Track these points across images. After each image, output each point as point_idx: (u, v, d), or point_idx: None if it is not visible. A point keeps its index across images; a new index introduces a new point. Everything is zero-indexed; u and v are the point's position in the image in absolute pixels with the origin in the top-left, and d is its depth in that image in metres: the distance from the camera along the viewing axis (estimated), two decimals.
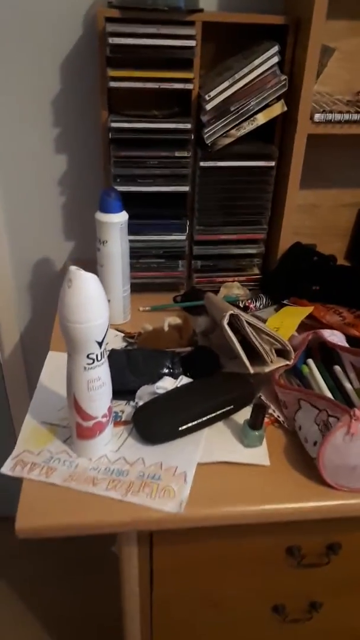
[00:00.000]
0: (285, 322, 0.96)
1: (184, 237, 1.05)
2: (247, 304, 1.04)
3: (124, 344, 0.94)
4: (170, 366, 0.82)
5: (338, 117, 0.93)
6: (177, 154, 0.96)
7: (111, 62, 0.90)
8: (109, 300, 0.97)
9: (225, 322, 0.76)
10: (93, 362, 0.65)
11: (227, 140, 0.96)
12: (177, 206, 1.05)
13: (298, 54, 0.92)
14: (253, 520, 0.68)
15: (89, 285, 0.60)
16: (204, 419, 0.75)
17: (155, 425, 0.74)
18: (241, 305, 1.03)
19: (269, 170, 1.00)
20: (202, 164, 0.97)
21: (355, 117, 0.93)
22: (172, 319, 0.92)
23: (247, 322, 0.77)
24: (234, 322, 0.78)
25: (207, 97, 0.91)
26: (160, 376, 0.81)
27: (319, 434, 0.70)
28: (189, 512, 0.66)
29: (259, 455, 0.73)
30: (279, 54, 0.90)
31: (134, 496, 0.67)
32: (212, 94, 0.91)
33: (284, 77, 0.92)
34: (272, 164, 0.99)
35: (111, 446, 0.74)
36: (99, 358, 0.65)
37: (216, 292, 1.10)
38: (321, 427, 0.70)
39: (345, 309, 1.00)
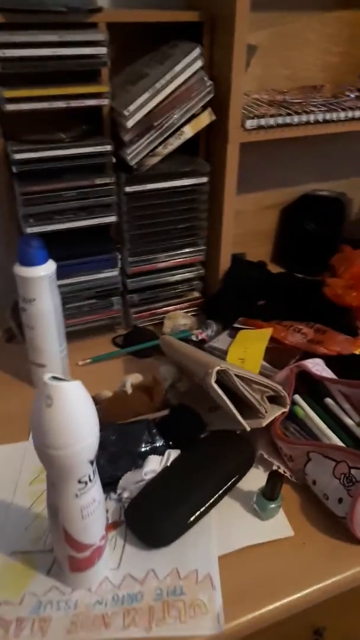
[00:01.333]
0: (249, 351, 0.88)
1: (116, 273, 0.91)
2: (199, 335, 0.93)
3: None
4: (149, 440, 0.70)
5: (271, 121, 0.84)
6: (97, 181, 0.81)
7: (4, 80, 0.72)
8: (44, 366, 0.82)
9: (212, 380, 0.65)
10: (86, 485, 0.50)
11: (154, 160, 0.83)
12: (104, 240, 0.90)
13: (219, 55, 0.81)
14: (299, 609, 0.59)
15: (75, 399, 0.45)
16: (212, 500, 0.64)
17: (158, 524, 0.61)
18: (194, 338, 0.92)
19: (202, 187, 0.89)
20: (127, 189, 0.84)
21: (288, 120, 0.85)
22: (133, 377, 0.78)
23: (236, 375, 0.66)
24: (220, 377, 0.67)
25: (126, 113, 0.77)
26: (141, 456, 0.68)
27: (343, 489, 0.62)
28: (228, 624, 0.55)
29: (280, 526, 0.64)
30: (202, 56, 0.78)
31: (161, 627, 0.54)
32: (132, 108, 0.77)
33: (209, 82, 0.80)
34: (205, 180, 0.88)
35: (110, 563, 0.60)
36: (92, 478, 0.50)
37: (159, 324, 0.98)
38: (343, 481, 0.63)
39: (303, 324, 0.94)
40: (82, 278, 0.89)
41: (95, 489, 0.52)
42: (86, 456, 0.48)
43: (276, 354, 0.88)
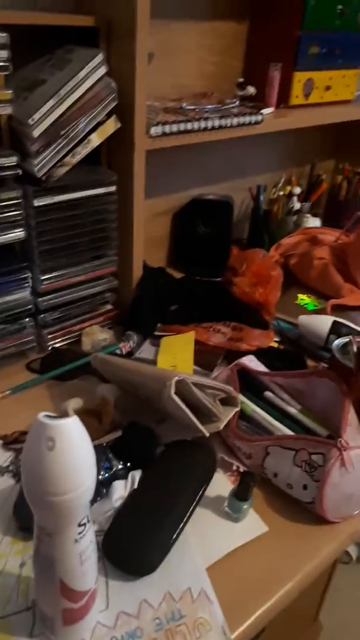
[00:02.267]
0: (178, 356, 0.88)
1: (27, 293, 0.84)
2: (123, 349, 0.90)
3: (10, 454, 0.72)
4: (108, 466, 0.66)
5: (174, 128, 0.85)
6: (3, 195, 0.74)
7: None
8: None
9: (172, 391, 0.64)
10: (85, 527, 0.45)
11: (62, 170, 0.78)
12: (9, 258, 0.83)
13: (118, 61, 0.79)
14: (294, 597, 0.60)
15: (78, 436, 0.41)
16: (188, 514, 0.62)
17: (141, 550, 0.58)
18: (118, 352, 0.89)
19: (111, 196, 0.86)
20: (36, 202, 0.78)
21: (189, 126, 0.87)
22: (74, 402, 0.73)
23: (193, 383, 0.65)
24: (179, 388, 0.65)
25: (30, 122, 0.72)
26: (102, 484, 0.64)
27: (306, 475, 0.65)
28: (234, 634, 0.54)
29: (254, 524, 0.65)
30: (106, 62, 0.76)
31: None
32: (37, 116, 0.72)
33: (114, 88, 0.78)
34: (113, 189, 0.86)
35: (99, 605, 0.55)
36: (89, 518, 0.46)
37: (75, 342, 0.93)
38: (305, 468, 0.66)
39: (219, 324, 0.96)
40: None
41: (91, 529, 0.47)
42: (89, 496, 0.43)
43: (202, 356, 0.90)
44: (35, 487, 0.41)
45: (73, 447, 0.40)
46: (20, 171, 0.75)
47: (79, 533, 0.45)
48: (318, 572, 0.63)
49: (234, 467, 0.71)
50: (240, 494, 0.63)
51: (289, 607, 0.61)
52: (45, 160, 0.75)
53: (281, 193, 1.28)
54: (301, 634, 1.23)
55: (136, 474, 0.66)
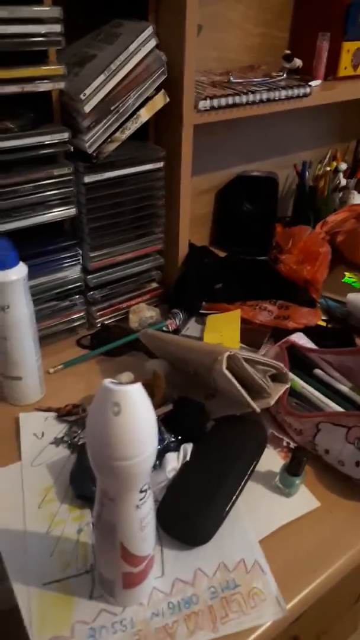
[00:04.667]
0: (224, 334, 0.88)
1: (78, 270, 0.85)
2: (170, 326, 0.91)
3: (63, 426, 0.73)
4: (160, 438, 0.67)
5: (222, 102, 0.84)
6: (56, 172, 0.75)
7: None
8: (20, 379, 0.75)
9: (224, 366, 0.64)
10: (146, 492, 0.46)
11: (112, 146, 0.78)
12: (60, 236, 0.84)
13: (167, 34, 0.78)
14: (345, 574, 0.60)
15: (142, 402, 0.42)
16: (240, 487, 0.63)
17: (195, 521, 0.59)
18: (165, 329, 0.90)
19: (159, 172, 0.86)
20: (86, 179, 0.78)
21: (237, 100, 0.85)
22: (125, 377, 0.74)
23: (244, 358, 0.65)
24: (230, 363, 0.65)
25: (82, 97, 0.72)
26: (156, 456, 0.65)
27: (358, 452, 0.65)
28: (289, 605, 0.55)
29: (306, 499, 0.65)
30: (155, 35, 0.75)
31: (226, 624, 0.53)
32: (88, 91, 0.72)
33: (164, 61, 0.77)
34: (161, 165, 0.85)
35: (155, 571, 0.56)
36: (149, 485, 0.47)
37: (123, 320, 0.94)
38: (358, 445, 0.65)
39: (266, 302, 0.96)
40: (42, 279, 0.82)
41: (151, 496, 0.48)
42: (151, 462, 0.44)
43: (248, 334, 0.89)
44: (101, 452, 0.42)
45: (138, 413, 0.41)
46: (71, 147, 0.75)
47: (141, 499, 0.46)
48: None
49: (285, 443, 0.71)
50: (293, 469, 0.63)
51: (334, 587, 0.61)
52: (96, 136, 0.76)
53: (327, 169, 1.25)
54: (343, 615, 1.23)
55: (188, 447, 0.66)
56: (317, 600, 0.58)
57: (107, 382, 0.40)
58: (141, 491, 0.45)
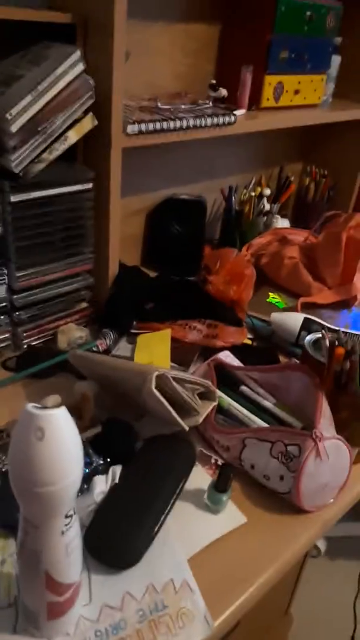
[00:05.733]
0: (155, 353, 0.89)
1: (3, 291, 0.83)
2: (100, 347, 0.90)
3: None
4: (88, 461, 0.66)
5: (150, 126, 0.86)
6: None
7: None
8: None
9: (153, 386, 0.64)
10: (71, 518, 0.46)
11: (40, 166, 0.78)
12: None
13: (95, 58, 0.80)
14: (271, 585, 0.62)
15: (66, 426, 0.41)
16: (168, 507, 0.63)
17: (124, 543, 0.58)
18: (95, 349, 0.89)
19: (88, 193, 0.86)
20: (12, 198, 0.77)
21: (165, 125, 0.88)
22: (52, 400, 0.72)
23: (173, 378, 0.66)
24: (159, 383, 0.66)
25: (8, 117, 0.71)
26: (84, 479, 0.64)
27: (282, 466, 0.67)
28: (216, 622, 0.55)
29: (233, 515, 0.67)
30: (83, 59, 0.76)
31: None
32: (14, 112, 0.72)
33: (92, 85, 0.78)
34: (90, 186, 0.86)
35: (82, 599, 0.55)
36: (75, 510, 0.46)
37: (50, 340, 0.93)
38: (281, 459, 0.67)
39: (195, 321, 0.98)
40: None
41: (77, 521, 0.48)
42: (76, 487, 0.44)
43: (178, 353, 0.90)
44: (24, 478, 0.41)
45: (62, 437, 0.41)
46: None
47: (66, 525, 0.45)
48: (295, 559, 0.64)
49: (213, 460, 0.72)
50: (220, 486, 0.65)
51: (262, 601, 0.62)
52: (22, 156, 0.75)
53: (252, 194, 1.30)
54: (273, 627, 1.25)
55: (117, 469, 0.66)
56: (247, 614, 0.60)
57: (30, 406, 0.40)
58: (66, 516, 0.45)
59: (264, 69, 1.10)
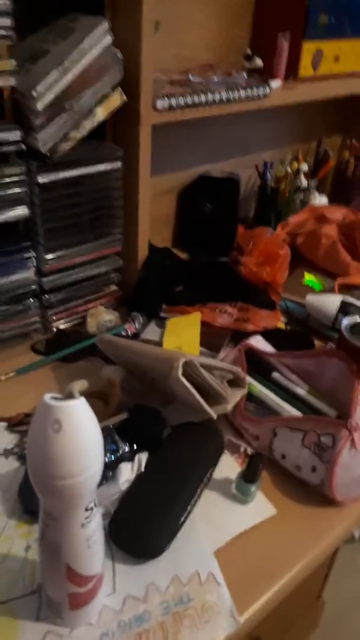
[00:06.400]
0: (183, 337, 0.86)
1: (32, 273, 0.82)
2: (129, 330, 0.89)
3: (14, 436, 0.71)
4: (114, 448, 0.65)
5: (181, 101, 0.82)
6: (7, 171, 0.72)
7: None
8: None
9: (180, 373, 0.62)
10: (92, 511, 0.45)
11: (68, 145, 0.76)
12: (13, 238, 0.81)
13: (123, 31, 0.76)
14: (300, 581, 0.59)
15: (85, 418, 0.40)
16: (195, 496, 0.61)
17: (149, 533, 0.57)
18: (124, 333, 0.88)
19: (116, 172, 0.84)
20: (40, 178, 0.75)
21: (196, 99, 0.84)
22: (79, 384, 0.71)
23: (200, 364, 0.64)
24: (186, 370, 0.64)
25: (34, 94, 0.69)
26: (108, 467, 0.63)
27: (315, 457, 0.64)
28: (243, 617, 0.54)
29: (263, 506, 0.64)
30: (111, 32, 0.73)
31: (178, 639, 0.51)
32: (41, 88, 0.69)
33: (120, 59, 0.75)
34: (119, 164, 0.83)
35: (105, 589, 0.55)
36: (96, 502, 0.45)
37: (80, 324, 0.92)
38: (314, 449, 0.65)
39: (226, 304, 0.95)
40: None
41: (98, 513, 0.46)
42: (96, 480, 0.42)
43: (208, 337, 0.88)
44: (41, 471, 0.40)
45: (80, 430, 0.39)
46: (24, 146, 0.72)
47: (86, 518, 0.44)
48: (326, 554, 0.62)
49: (242, 449, 0.70)
50: (248, 476, 0.63)
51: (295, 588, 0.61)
52: (49, 135, 0.73)
53: (288, 170, 1.25)
54: (304, 612, 1.24)
55: (143, 457, 0.65)
56: (279, 603, 0.58)
57: (48, 397, 0.38)
58: (87, 509, 0.44)
59: (302, 36, 1.04)
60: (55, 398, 0.39)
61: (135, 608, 0.53)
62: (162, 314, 0.93)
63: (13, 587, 0.54)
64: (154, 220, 1.12)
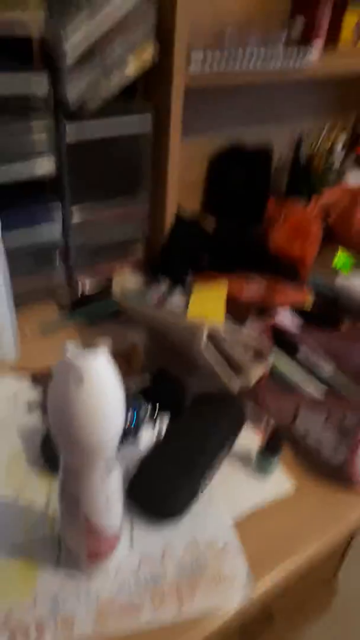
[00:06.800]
0: (209, 307, 0.85)
1: (59, 230, 0.82)
2: (154, 296, 0.88)
3: (38, 390, 0.71)
4: (137, 410, 0.64)
5: (216, 67, 0.79)
6: (34, 123, 0.71)
7: None
8: None
9: (203, 342, 0.61)
10: (112, 465, 0.44)
11: (98, 99, 0.74)
12: (40, 193, 0.80)
13: None
14: (317, 559, 0.58)
15: (106, 372, 0.39)
16: (215, 465, 0.61)
17: (168, 495, 0.57)
18: (150, 299, 0.87)
19: (146, 132, 0.82)
20: (69, 132, 0.74)
21: (232, 65, 0.81)
22: (102, 342, 0.71)
23: (224, 336, 0.63)
24: (209, 340, 0.63)
25: (64, 38, 0.67)
26: (131, 429, 0.63)
27: (337, 438, 0.63)
28: (257, 588, 0.53)
29: (282, 482, 0.63)
30: None
31: (192, 603, 0.51)
32: (73, 37, 0.67)
33: (154, 7, 0.72)
34: (149, 124, 0.81)
35: (123, 545, 0.54)
36: (116, 458, 0.45)
37: (106, 287, 0.91)
38: (337, 430, 0.63)
39: (254, 277, 0.93)
40: (20, 235, 0.78)
41: (118, 469, 0.46)
42: (116, 435, 0.42)
43: (234, 308, 0.86)
44: (62, 426, 0.39)
45: (101, 384, 0.38)
46: (52, 96, 0.71)
47: (106, 473, 0.43)
48: (342, 536, 0.61)
49: (263, 424, 0.69)
50: (269, 450, 0.61)
51: (307, 568, 0.60)
52: (79, 86, 0.71)
53: (324, 143, 1.21)
54: (317, 593, 1.23)
55: (165, 421, 0.64)
56: (292, 581, 0.57)
57: (70, 351, 0.38)
58: (106, 465, 0.43)
59: (346, 3, 1.00)
60: (77, 351, 0.38)
61: (152, 567, 0.53)
62: (189, 282, 0.92)
63: (34, 532, 0.55)
64: (183, 187, 1.10)
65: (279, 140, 1.22)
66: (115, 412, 0.40)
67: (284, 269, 0.95)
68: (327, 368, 0.74)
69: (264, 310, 0.85)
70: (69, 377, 0.37)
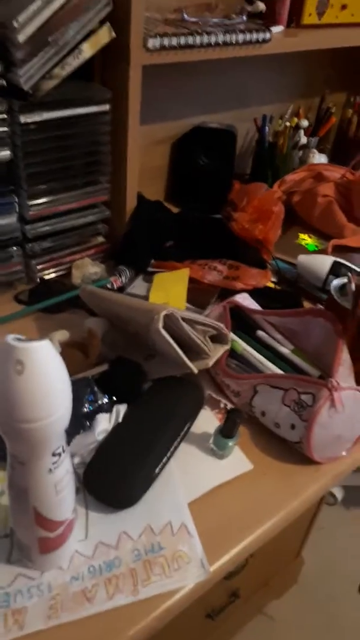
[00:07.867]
0: (171, 293, 0.85)
1: (14, 219, 0.80)
2: (114, 283, 0.87)
3: None
4: (93, 399, 0.64)
5: (174, 41, 0.78)
6: None
7: None
8: None
9: (160, 325, 0.61)
10: (59, 456, 0.44)
11: (52, 83, 0.72)
12: None
13: None
14: (272, 536, 0.60)
15: (50, 360, 0.38)
16: (172, 448, 0.61)
17: (123, 482, 0.57)
18: (109, 286, 0.86)
19: (103, 115, 0.80)
20: (22, 118, 0.72)
21: (190, 40, 0.79)
22: (60, 335, 0.70)
23: (182, 318, 0.62)
24: (167, 323, 0.62)
25: (15, 24, 0.65)
26: (86, 416, 0.62)
27: (294, 415, 0.64)
28: (213, 567, 0.54)
29: (239, 461, 0.64)
30: None
31: (147, 587, 0.52)
32: (22, 19, 0.65)
33: None
34: (107, 107, 0.79)
35: (77, 535, 0.54)
36: (64, 448, 0.44)
37: (65, 275, 0.90)
38: (294, 408, 0.64)
39: (216, 261, 0.92)
40: None
41: (67, 459, 0.46)
42: (63, 425, 0.41)
43: (195, 294, 0.86)
44: (5, 414, 0.38)
45: (44, 372, 0.38)
46: (4, 82, 0.68)
47: (54, 463, 0.43)
48: (300, 511, 0.62)
49: (222, 405, 0.69)
50: (226, 431, 0.62)
51: (273, 543, 0.61)
52: (32, 70, 0.69)
53: (287, 125, 1.20)
54: (283, 568, 1.27)
55: (121, 408, 0.64)
56: (257, 555, 0.58)
57: (10, 338, 0.37)
58: (54, 454, 0.43)
59: None
60: (19, 339, 0.37)
61: (107, 554, 0.54)
62: (150, 269, 0.91)
63: None
64: (145, 172, 1.09)
65: (244, 123, 1.21)
66: (61, 399, 0.40)
67: (246, 252, 0.95)
68: (285, 347, 0.74)
69: (226, 294, 0.85)
70: (9, 365, 0.37)
